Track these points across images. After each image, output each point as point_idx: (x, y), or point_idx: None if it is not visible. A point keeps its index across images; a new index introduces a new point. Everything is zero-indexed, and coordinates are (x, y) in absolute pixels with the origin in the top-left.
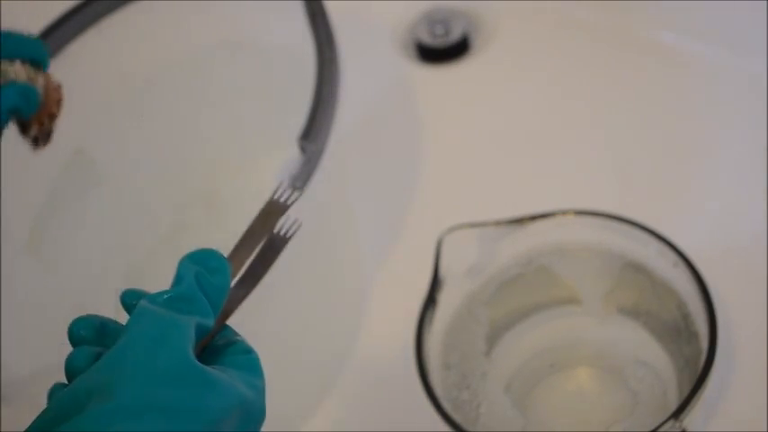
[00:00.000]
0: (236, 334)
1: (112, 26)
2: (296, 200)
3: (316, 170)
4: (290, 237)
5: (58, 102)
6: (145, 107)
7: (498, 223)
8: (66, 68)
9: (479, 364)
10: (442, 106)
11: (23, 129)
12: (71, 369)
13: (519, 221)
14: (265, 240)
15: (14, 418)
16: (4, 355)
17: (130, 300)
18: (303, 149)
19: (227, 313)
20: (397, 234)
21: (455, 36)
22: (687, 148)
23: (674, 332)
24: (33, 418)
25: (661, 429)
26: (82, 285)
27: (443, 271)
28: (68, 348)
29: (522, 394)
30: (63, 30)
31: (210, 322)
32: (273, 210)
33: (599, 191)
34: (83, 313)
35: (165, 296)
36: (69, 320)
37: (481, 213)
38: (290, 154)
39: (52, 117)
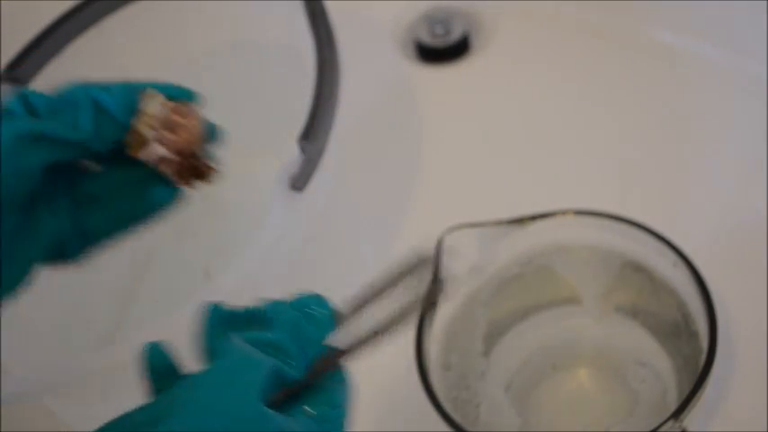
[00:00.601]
0: (341, 382)
1: (112, 26)
2: (443, 258)
3: (316, 170)
4: (438, 295)
5: (183, 121)
6: None
7: (498, 223)
8: (66, 68)
9: (479, 364)
10: (442, 106)
11: (133, 145)
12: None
13: (519, 221)
14: (408, 293)
15: (14, 418)
16: (4, 356)
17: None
18: (303, 149)
19: (341, 357)
20: (397, 234)
21: (455, 36)
22: (687, 147)
23: (673, 332)
24: (33, 418)
25: (661, 429)
26: (82, 285)
27: (443, 271)
28: (67, 351)
29: (522, 394)
30: (63, 30)
31: (295, 373)
32: (418, 263)
33: (599, 191)
34: (81, 313)
35: (258, 338)
36: (69, 321)
37: (481, 213)
38: (290, 154)
39: (179, 144)
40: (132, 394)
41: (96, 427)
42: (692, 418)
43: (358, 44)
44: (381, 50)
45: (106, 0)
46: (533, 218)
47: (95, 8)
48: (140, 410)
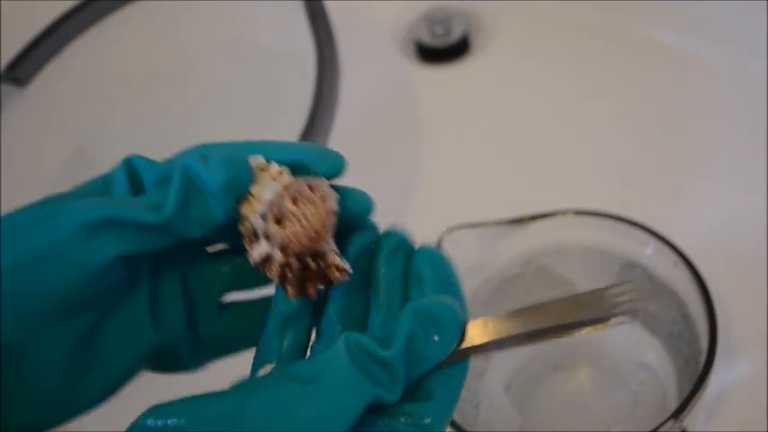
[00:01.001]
0: (451, 382)
1: (112, 26)
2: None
3: None
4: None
5: (295, 209)
6: (145, 107)
7: (498, 223)
8: (66, 68)
9: (476, 364)
10: (442, 106)
11: (244, 237)
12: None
13: (519, 221)
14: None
15: None
16: None
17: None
18: None
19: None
20: None
21: (455, 36)
22: (687, 147)
23: (674, 332)
24: None
25: (661, 429)
26: None
27: None
28: None
29: (522, 394)
30: (63, 30)
31: (392, 398)
32: (598, 303)
33: (599, 191)
34: None
35: (372, 352)
36: None
37: (481, 213)
38: None
39: (285, 240)
40: (132, 394)
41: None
42: (691, 418)
43: (358, 44)
44: (381, 50)
45: (106, 0)
46: (533, 218)
47: (95, 8)
48: (219, 401)
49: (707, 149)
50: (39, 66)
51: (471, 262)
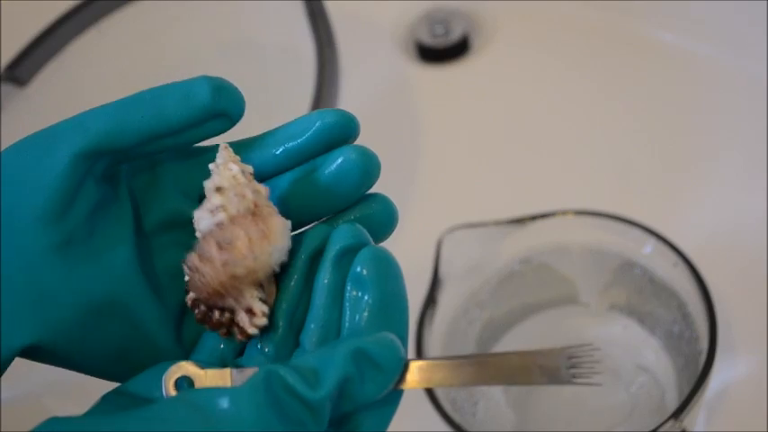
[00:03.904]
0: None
1: (112, 26)
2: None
3: None
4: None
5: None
6: None
7: (498, 223)
8: (66, 68)
9: None
10: (442, 106)
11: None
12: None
13: (519, 221)
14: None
15: (14, 418)
16: None
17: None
18: None
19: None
20: (396, 234)
21: (455, 36)
22: (687, 147)
23: (674, 332)
24: (33, 418)
25: (661, 429)
26: None
27: (443, 271)
28: None
29: (521, 393)
30: (63, 30)
31: None
32: (551, 365)
33: (599, 191)
34: None
35: (300, 394)
36: None
37: (481, 213)
38: None
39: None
40: None
41: None
42: (691, 418)
43: (358, 44)
44: (381, 50)
45: (106, 0)
46: (533, 218)
47: (95, 8)
48: (118, 425)
49: (707, 149)
50: (39, 66)
51: (471, 262)
